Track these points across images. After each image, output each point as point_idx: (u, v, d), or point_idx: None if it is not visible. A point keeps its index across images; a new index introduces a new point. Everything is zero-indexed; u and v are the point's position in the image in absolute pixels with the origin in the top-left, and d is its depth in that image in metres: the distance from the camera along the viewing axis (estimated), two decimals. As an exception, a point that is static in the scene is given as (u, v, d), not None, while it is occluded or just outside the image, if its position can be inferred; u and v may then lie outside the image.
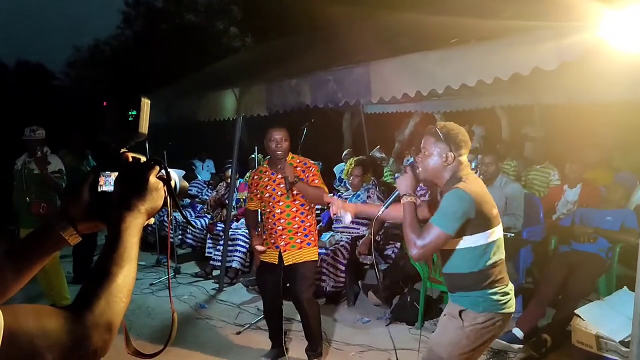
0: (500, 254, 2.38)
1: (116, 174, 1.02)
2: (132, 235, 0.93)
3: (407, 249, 2.37)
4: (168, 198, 1.04)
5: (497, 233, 2.36)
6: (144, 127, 1.08)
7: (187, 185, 1.12)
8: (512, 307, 2.39)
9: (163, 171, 1.03)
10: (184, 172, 1.38)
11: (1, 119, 12.18)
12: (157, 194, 1.01)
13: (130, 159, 1.05)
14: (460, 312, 2.34)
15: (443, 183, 2.43)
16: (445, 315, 2.48)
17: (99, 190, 1.03)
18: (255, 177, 3.90)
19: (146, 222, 0.99)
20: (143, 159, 1.05)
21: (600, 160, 6.15)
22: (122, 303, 0.86)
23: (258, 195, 3.85)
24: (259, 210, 4.07)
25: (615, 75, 3.60)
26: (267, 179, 3.79)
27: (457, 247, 2.33)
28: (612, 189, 4.75)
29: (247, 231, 6.01)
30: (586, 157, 5.75)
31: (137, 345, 0.98)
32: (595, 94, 6.09)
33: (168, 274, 1.17)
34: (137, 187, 0.98)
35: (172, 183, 1.05)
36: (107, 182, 1.03)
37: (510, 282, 2.43)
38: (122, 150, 1.06)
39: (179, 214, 7.42)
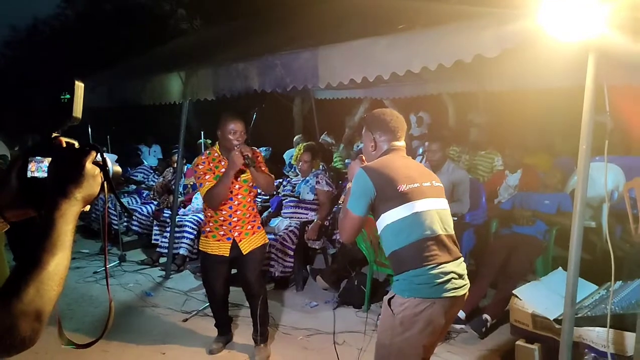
0: (425, 231, 2.27)
1: (49, 159, 0.99)
2: (67, 223, 0.90)
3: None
4: (105, 184, 1.01)
5: (416, 207, 2.28)
6: (78, 111, 1.05)
7: (120, 170, 1.09)
8: (449, 291, 2.25)
9: (99, 157, 1.00)
10: (116, 157, 1.35)
11: None
12: (94, 181, 0.98)
13: (64, 144, 1.01)
14: (389, 300, 2.32)
15: None
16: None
17: (29, 176, 1.00)
18: (208, 163, 3.60)
19: (81, 210, 0.97)
20: (77, 144, 1.02)
21: (540, 145, 6.37)
22: (53, 291, 0.83)
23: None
24: None
25: (555, 62, 3.68)
26: (223, 169, 3.55)
27: (383, 226, 2.34)
28: (551, 174, 4.95)
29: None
30: (527, 142, 5.94)
31: (79, 335, 0.95)
32: (536, 81, 6.26)
33: (105, 261, 1.14)
34: (73, 174, 0.95)
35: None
36: (39, 168, 0.99)
37: (450, 264, 2.29)
38: (55, 134, 1.02)
39: (125, 200, 7.26)
